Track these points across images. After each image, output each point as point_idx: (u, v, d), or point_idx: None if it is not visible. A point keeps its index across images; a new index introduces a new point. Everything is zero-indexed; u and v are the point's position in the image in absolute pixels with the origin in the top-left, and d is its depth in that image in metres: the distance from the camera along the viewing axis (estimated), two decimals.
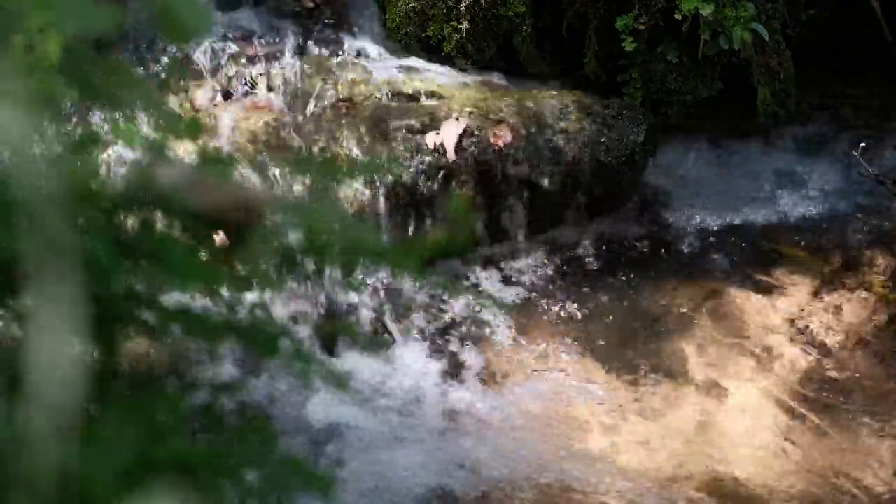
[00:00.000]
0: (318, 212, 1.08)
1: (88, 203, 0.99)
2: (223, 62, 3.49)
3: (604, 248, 3.52)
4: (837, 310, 3.29)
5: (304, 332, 3.08)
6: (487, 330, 3.24)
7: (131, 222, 1.07)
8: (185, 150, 1.09)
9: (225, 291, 1.09)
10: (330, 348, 3.08)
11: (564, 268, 3.45)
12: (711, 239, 3.56)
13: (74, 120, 2.68)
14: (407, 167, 3.24)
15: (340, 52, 3.62)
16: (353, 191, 3.20)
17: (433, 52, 3.65)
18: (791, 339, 3.21)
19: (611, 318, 3.30)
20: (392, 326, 3.20)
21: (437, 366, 3.13)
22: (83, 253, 0.94)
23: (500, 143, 3.33)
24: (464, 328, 3.24)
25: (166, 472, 0.90)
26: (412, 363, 3.13)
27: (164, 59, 3.46)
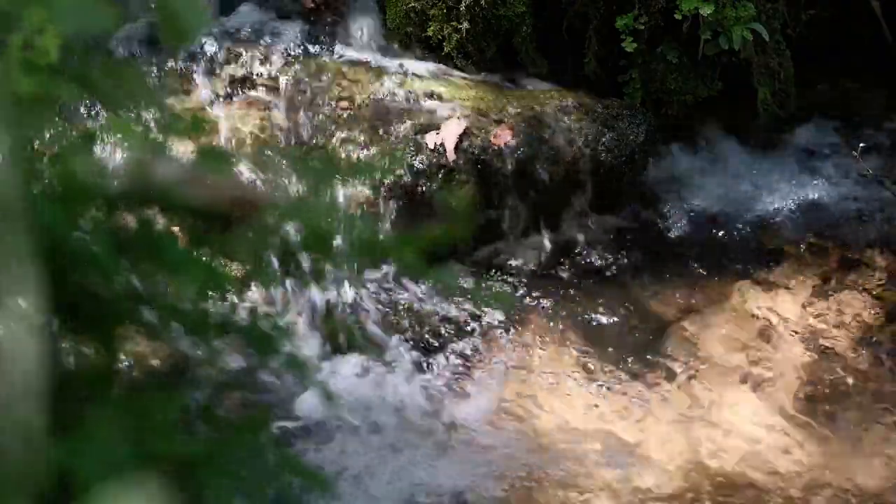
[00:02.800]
0: (316, 208, 1.08)
1: (87, 201, 0.99)
2: (223, 62, 3.49)
3: (604, 247, 3.52)
4: (837, 310, 3.29)
5: (303, 331, 3.08)
6: (485, 329, 3.24)
7: (130, 220, 1.07)
8: (183, 148, 1.09)
9: (225, 290, 1.09)
10: (337, 347, 3.09)
11: (564, 268, 3.45)
12: (711, 238, 3.57)
13: (74, 118, 2.69)
14: (407, 165, 3.24)
15: (340, 52, 3.63)
16: (354, 191, 3.20)
17: (433, 51, 3.65)
18: (791, 339, 3.21)
19: (610, 317, 3.30)
20: (388, 327, 3.20)
21: (434, 365, 3.13)
22: (83, 251, 0.95)
23: (500, 143, 3.33)
24: (461, 328, 3.25)
25: (165, 469, 0.90)
26: (409, 363, 3.14)
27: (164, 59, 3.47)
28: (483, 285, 3.31)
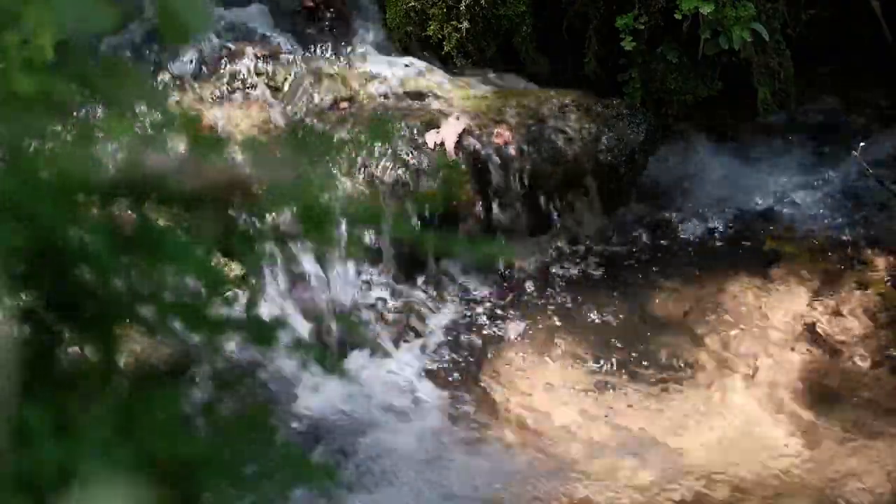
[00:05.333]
0: (313, 186, 1.08)
1: (85, 196, 0.99)
2: (223, 61, 3.49)
3: (603, 247, 3.52)
4: (837, 310, 3.29)
5: (305, 329, 3.08)
6: (486, 329, 3.24)
7: (128, 216, 1.07)
8: (178, 141, 1.09)
9: (224, 285, 1.09)
10: (338, 348, 3.08)
11: (564, 267, 3.45)
12: (711, 238, 3.56)
13: (73, 115, 2.68)
14: (405, 163, 3.24)
15: (340, 52, 3.63)
16: (353, 190, 3.20)
17: (433, 51, 3.65)
18: (791, 339, 3.21)
19: (610, 317, 3.30)
20: (388, 326, 3.20)
21: (434, 364, 3.13)
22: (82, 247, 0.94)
23: (500, 142, 3.33)
24: (461, 327, 3.25)
25: (165, 469, 0.90)
26: (409, 361, 3.13)
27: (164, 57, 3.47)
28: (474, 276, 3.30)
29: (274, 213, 1.12)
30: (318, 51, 3.62)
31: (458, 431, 2.96)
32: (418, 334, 3.21)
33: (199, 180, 1.08)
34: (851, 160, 3.61)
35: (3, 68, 0.93)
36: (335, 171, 1.25)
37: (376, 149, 2.96)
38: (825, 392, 3.06)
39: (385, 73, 3.53)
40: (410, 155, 3.26)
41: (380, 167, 3.21)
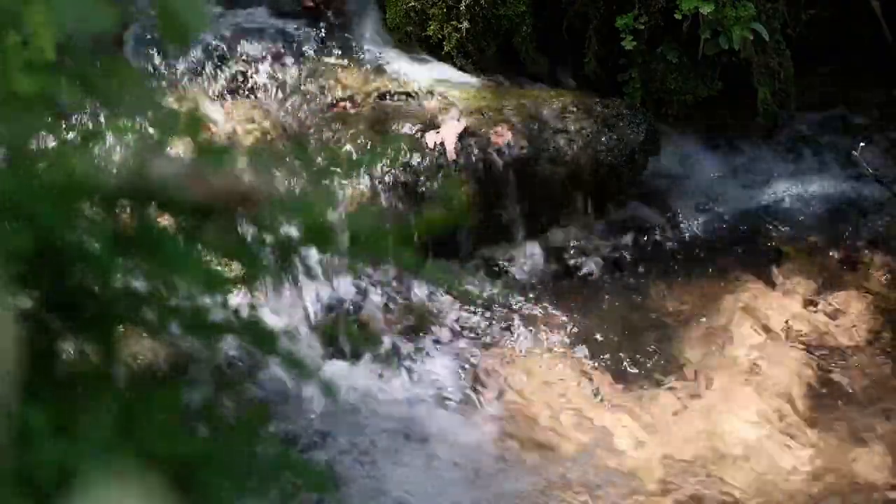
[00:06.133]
0: (316, 202, 1.08)
1: (85, 199, 0.99)
2: (223, 62, 3.49)
3: (603, 247, 3.52)
4: (837, 310, 3.29)
5: (302, 331, 3.08)
6: (485, 330, 3.24)
7: (129, 218, 1.07)
8: (182, 146, 1.09)
9: (225, 289, 1.09)
10: (335, 348, 3.08)
11: (563, 268, 3.45)
12: (711, 239, 3.57)
13: (74, 116, 2.68)
14: (407, 164, 3.24)
15: (340, 52, 3.63)
16: (354, 190, 3.20)
17: (433, 51, 3.65)
18: (791, 339, 3.21)
19: (610, 318, 3.30)
20: (387, 328, 3.20)
21: (434, 366, 3.13)
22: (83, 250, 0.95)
23: (500, 142, 3.33)
24: (462, 328, 3.24)
25: (165, 469, 0.90)
26: (410, 365, 3.13)
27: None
28: (477, 282, 3.32)
29: (277, 226, 1.12)
30: (318, 51, 3.62)
31: (454, 429, 2.95)
32: (417, 335, 3.21)
33: (203, 188, 1.08)
34: (851, 160, 3.61)
35: (3, 68, 0.93)
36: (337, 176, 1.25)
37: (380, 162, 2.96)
38: (825, 392, 3.06)
39: (385, 72, 3.53)
40: (410, 156, 3.27)
41: (380, 171, 3.21)
